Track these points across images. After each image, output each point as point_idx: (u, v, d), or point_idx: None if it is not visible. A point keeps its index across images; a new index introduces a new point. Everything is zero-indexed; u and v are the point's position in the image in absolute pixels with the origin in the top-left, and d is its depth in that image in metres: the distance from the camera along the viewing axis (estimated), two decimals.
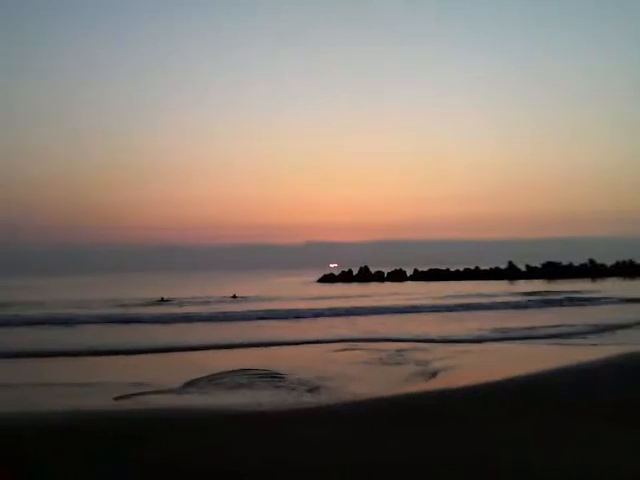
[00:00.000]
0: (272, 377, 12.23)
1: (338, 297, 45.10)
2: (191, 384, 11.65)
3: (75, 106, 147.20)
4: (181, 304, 39.73)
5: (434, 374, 12.22)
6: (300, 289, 61.69)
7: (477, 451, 6.40)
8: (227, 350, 17.07)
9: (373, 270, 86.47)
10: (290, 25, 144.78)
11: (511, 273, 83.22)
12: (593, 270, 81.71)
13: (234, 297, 46.67)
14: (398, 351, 15.81)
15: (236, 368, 13.16)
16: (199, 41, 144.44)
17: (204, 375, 12.40)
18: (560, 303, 35.59)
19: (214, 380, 12.06)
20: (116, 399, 10.12)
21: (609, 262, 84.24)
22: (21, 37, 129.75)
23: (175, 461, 6.26)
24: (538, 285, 58.75)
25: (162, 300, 43.08)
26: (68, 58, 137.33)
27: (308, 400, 9.86)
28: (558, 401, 9.03)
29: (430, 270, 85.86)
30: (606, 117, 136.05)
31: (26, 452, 6.69)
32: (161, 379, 12.10)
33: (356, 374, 12.54)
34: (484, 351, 15.97)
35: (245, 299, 44.44)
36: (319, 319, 28.13)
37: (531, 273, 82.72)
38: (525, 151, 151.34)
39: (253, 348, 17.51)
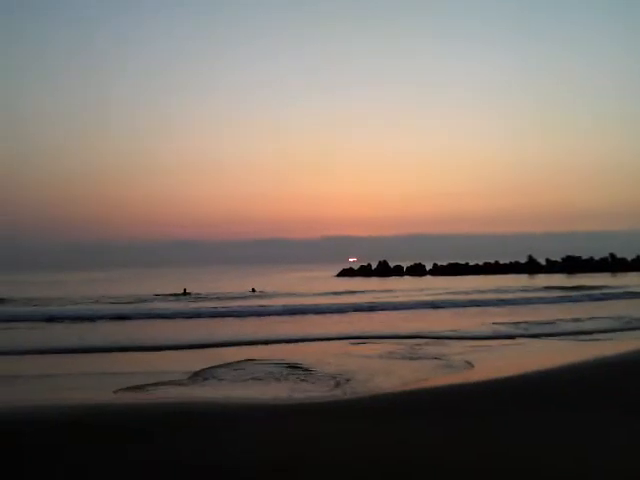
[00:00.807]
0: (288, 367, 12.32)
1: (357, 292, 45.11)
2: (200, 375, 11.84)
3: (99, 104, 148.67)
4: (201, 298, 40.14)
5: (453, 369, 12.25)
6: (319, 283, 61.69)
7: (493, 447, 6.45)
8: (248, 346, 17.13)
9: (392, 264, 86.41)
10: (303, 19, 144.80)
11: (531, 267, 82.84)
12: (614, 264, 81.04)
13: (253, 291, 47.00)
14: (416, 346, 15.86)
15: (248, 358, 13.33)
16: (215, 37, 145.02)
17: (214, 365, 12.57)
18: (585, 297, 35.27)
19: (224, 370, 12.26)
20: (116, 392, 10.22)
21: (630, 256, 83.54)
22: (35, 37, 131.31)
23: (178, 458, 6.21)
24: (559, 279, 58.31)
25: (184, 293, 43.82)
26: (79, 58, 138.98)
27: (322, 395, 9.92)
28: (572, 397, 9.02)
29: (449, 264, 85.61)
30: (626, 111, 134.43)
31: (26, 446, 6.74)
32: (173, 371, 12.24)
33: (374, 369, 12.58)
34: (503, 347, 15.94)
35: (264, 294, 44.60)
36: (340, 315, 28.18)
37: (551, 267, 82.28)
38: (545, 145, 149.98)
39: (271, 345, 17.55)
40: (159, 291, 46.11)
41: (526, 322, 21.87)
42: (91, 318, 26.08)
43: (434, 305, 31.66)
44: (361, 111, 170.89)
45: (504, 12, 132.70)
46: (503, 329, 20.08)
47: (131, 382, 11.00)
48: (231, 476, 5.72)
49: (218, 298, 40.07)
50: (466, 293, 40.42)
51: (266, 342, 17.71)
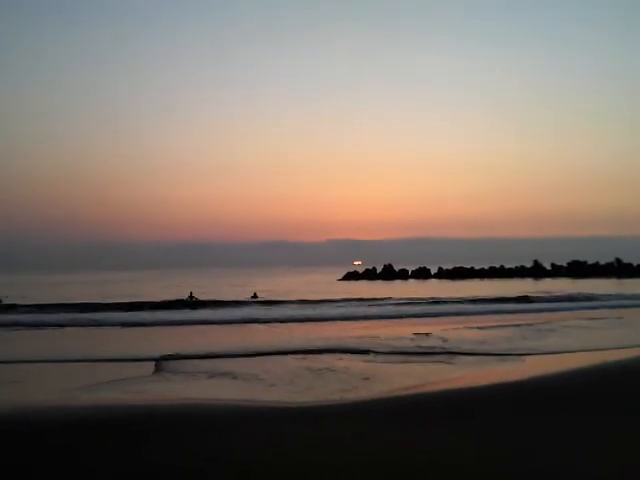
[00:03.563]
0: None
1: (361, 299, 42.92)
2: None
3: (114, 104, 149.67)
4: (204, 304, 37.93)
5: (451, 377, 12.27)
6: (323, 287, 61.42)
7: (493, 451, 6.47)
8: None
9: (397, 268, 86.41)
10: (306, 19, 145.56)
11: (536, 272, 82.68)
12: (619, 269, 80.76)
13: (254, 296, 45.45)
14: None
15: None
16: (219, 39, 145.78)
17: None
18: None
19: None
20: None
21: (636, 261, 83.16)
22: (44, 36, 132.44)
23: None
24: (564, 284, 58.10)
25: (191, 296, 41.80)
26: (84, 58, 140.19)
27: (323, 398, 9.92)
28: (576, 401, 9.03)
29: (454, 268, 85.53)
30: (637, 115, 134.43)
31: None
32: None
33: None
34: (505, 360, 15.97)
35: (265, 299, 42.59)
36: (340, 322, 28.14)
37: (556, 272, 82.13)
38: (552, 150, 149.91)
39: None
40: (164, 296, 43.28)
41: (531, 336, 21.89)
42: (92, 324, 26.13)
43: (439, 314, 31.65)
44: (367, 114, 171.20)
45: (518, 16, 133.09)
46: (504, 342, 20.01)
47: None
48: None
49: (218, 304, 37.81)
50: (474, 302, 39.68)
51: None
